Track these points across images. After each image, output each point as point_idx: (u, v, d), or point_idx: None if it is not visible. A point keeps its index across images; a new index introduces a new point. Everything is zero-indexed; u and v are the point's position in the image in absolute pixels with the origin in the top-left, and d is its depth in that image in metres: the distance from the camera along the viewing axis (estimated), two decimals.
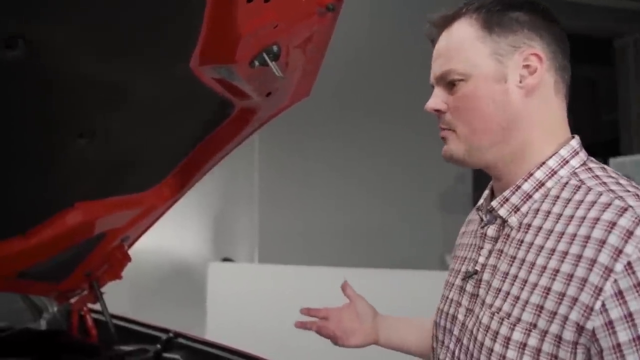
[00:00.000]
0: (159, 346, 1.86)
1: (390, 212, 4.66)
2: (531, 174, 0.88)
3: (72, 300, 2.01)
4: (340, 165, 4.64)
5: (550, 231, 0.81)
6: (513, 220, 0.88)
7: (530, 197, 0.87)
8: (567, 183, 0.85)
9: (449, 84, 0.90)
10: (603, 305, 0.71)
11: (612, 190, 0.79)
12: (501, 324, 0.81)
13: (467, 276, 0.94)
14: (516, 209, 0.88)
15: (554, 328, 0.75)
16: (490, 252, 0.92)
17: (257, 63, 1.23)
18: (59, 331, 1.99)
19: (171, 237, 4.76)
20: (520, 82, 0.87)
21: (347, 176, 4.63)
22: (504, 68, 0.87)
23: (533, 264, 0.81)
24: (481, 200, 1.00)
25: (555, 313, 0.75)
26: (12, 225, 1.49)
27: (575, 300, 0.73)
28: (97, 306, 1.96)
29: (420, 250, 4.55)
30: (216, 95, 1.42)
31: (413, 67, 3.66)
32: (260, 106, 1.57)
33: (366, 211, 4.61)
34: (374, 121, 4.66)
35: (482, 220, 0.97)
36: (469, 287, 0.94)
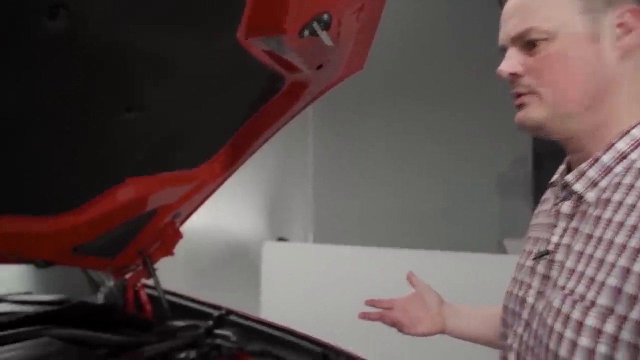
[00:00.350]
0: (210, 323, 1.86)
1: (447, 193, 4.52)
2: (612, 145, 0.79)
3: (127, 276, 2.04)
4: (396, 145, 4.53)
5: (633, 206, 0.72)
6: (590, 195, 0.80)
7: (611, 170, 0.78)
8: None
9: (528, 44, 0.81)
10: None
11: None
12: (573, 307, 0.73)
13: (539, 256, 0.86)
14: (594, 184, 0.79)
15: (635, 314, 0.66)
16: (564, 230, 0.83)
17: (307, 33, 1.17)
18: (115, 305, 2.03)
19: (227, 216, 4.82)
20: (615, 42, 0.78)
21: (404, 156, 4.52)
22: (596, 26, 0.78)
23: (611, 243, 0.72)
24: (556, 176, 0.91)
25: (635, 297, 0.66)
26: (65, 201, 1.50)
27: None
28: (152, 282, 1.98)
29: (477, 234, 4.40)
30: (265, 69, 1.38)
31: (472, 43, 3.50)
32: (311, 80, 1.52)
33: (423, 192, 4.50)
34: (431, 100, 4.52)
35: (556, 197, 0.88)
36: (541, 268, 0.86)
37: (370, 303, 1.26)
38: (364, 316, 1.26)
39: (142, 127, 1.38)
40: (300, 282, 3.91)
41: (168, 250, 1.94)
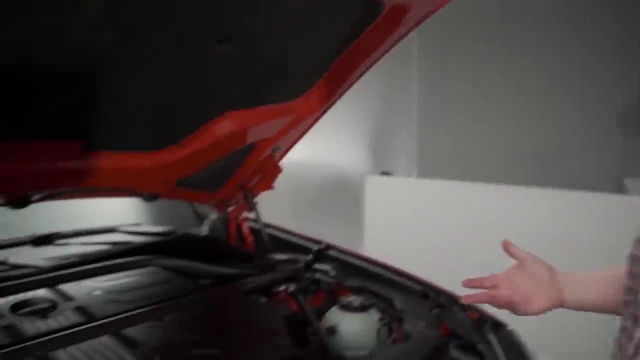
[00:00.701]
0: (310, 257, 1.86)
1: (563, 127, 4.17)
2: None
3: (230, 209, 2.09)
4: (508, 75, 4.20)
5: None
6: None
7: None
8: None
9: None
10: None
11: None
12: None
13: None
14: None
15: None
16: None
17: None
18: (218, 237, 2.09)
19: (330, 149, 4.82)
20: None
21: (516, 87, 4.19)
22: None
23: None
24: None
25: None
26: (166, 136, 1.53)
27: None
28: (253, 215, 2.01)
29: (594, 171, 4.04)
30: None
31: None
32: (412, 3, 1.40)
33: (535, 126, 4.18)
34: (548, 25, 4.11)
35: None
36: None
37: (469, 284, 1.09)
38: (469, 300, 1.08)
39: (239, 59, 1.35)
40: (403, 217, 3.85)
41: (268, 184, 1.95)
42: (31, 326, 1.24)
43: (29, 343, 1.14)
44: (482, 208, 3.31)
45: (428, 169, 4.49)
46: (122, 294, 1.45)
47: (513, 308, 1.04)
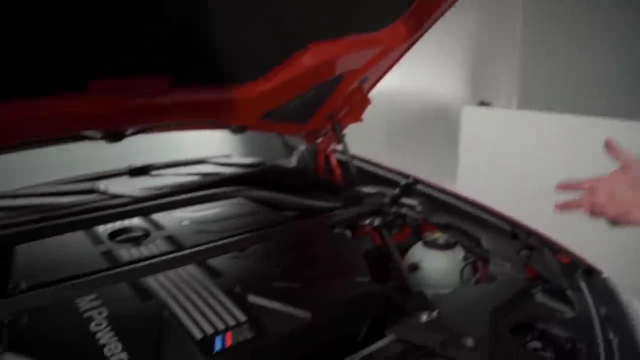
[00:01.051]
0: (397, 191, 1.84)
1: None
2: None
3: (318, 141, 2.09)
4: (616, 5, 3.75)
5: None
6: None
7: None
8: None
9: None
10: None
11: None
12: None
13: None
14: None
15: None
16: None
17: None
18: (306, 169, 2.11)
19: (425, 78, 4.63)
20: None
21: (630, 13, 3.74)
22: None
23: None
24: None
25: None
26: (252, 68, 1.53)
27: None
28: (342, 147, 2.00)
29: None
30: None
31: None
32: None
33: None
34: None
35: None
36: None
37: (564, 187, 1.01)
38: (562, 207, 1.01)
39: None
40: (500, 152, 3.68)
41: (356, 117, 1.92)
42: (126, 253, 1.33)
43: (122, 269, 1.23)
44: (588, 143, 3.07)
45: (530, 100, 4.20)
46: (209, 224, 1.52)
47: (612, 217, 0.94)
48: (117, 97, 1.36)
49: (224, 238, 1.41)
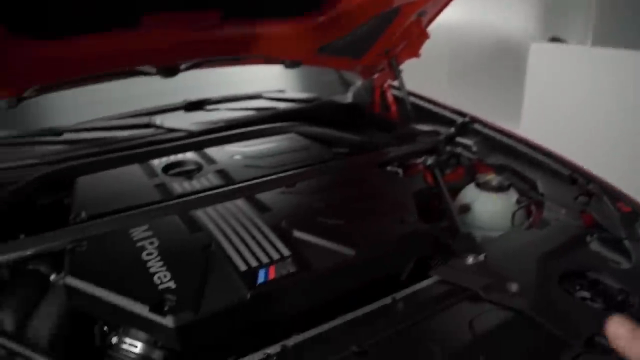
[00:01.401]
0: (452, 130, 1.78)
1: None
2: None
3: (375, 76, 2.04)
4: None
5: None
6: None
7: None
8: None
9: None
10: None
11: None
12: None
13: None
14: None
15: None
16: None
17: None
18: (361, 105, 2.07)
19: (492, 11, 4.38)
20: None
21: None
22: None
23: None
24: None
25: None
26: (306, 2, 1.48)
27: None
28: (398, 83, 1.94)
29: None
30: None
31: None
32: None
33: None
34: None
35: None
36: None
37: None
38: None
39: None
40: (571, 92, 3.48)
41: (414, 51, 1.85)
42: (178, 186, 1.37)
43: (174, 201, 1.28)
44: None
45: (605, 36, 3.90)
46: (260, 159, 1.52)
47: None
48: (169, 32, 1.36)
49: (274, 173, 1.43)
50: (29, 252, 1.13)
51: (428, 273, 1.15)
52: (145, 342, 1.00)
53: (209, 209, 1.23)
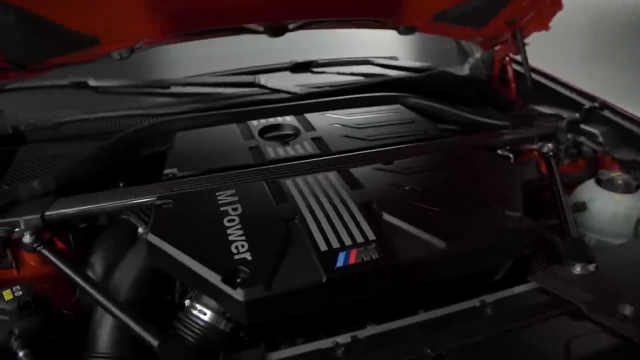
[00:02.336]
0: (577, 115, 1.59)
1: None
2: None
3: (497, 49, 1.86)
4: None
5: None
6: None
7: None
8: None
9: None
10: None
11: None
12: None
13: None
14: None
15: None
16: None
17: None
18: (478, 79, 1.90)
19: None
20: None
21: None
22: None
23: None
24: None
25: None
26: None
27: None
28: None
29: None
30: None
31: None
32: None
33: None
34: None
35: None
36: None
37: None
38: None
39: None
40: None
41: (543, 23, 1.65)
42: (272, 151, 1.34)
43: (265, 167, 1.25)
44: None
45: None
46: (359, 130, 1.45)
47: None
48: None
49: (372, 147, 1.35)
50: (122, 203, 1.16)
51: (527, 277, 1.03)
52: (215, 311, 0.99)
53: (299, 179, 1.18)
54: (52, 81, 1.66)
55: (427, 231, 1.01)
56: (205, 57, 1.89)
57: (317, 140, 1.39)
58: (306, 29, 1.55)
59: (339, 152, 1.33)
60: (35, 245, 1.09)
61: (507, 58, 1.85)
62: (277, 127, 1.47)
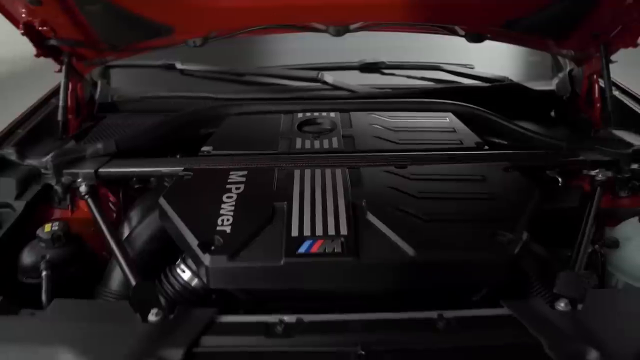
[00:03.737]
0: None
1: None
2: None
3: (587, 64, 1.72)
4: None
5: None
6: None
7: None
8: None
9: None
10: None
11: None
12: None
13: None
14: None
15: None
16: None
17: None
18: (553, 95, 1.77)
19: None
20: None
21: None
22: None
23: None
24: None
25: None
26: None
27: None
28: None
29: None
30: None
31: None
32: None
33: None
34: None
35: None
36: None
37: None
38: None
39: None
40: None
41: (631, 39, 1.49)
42: (301, 143, 1.41)
43: (283, 155, 1.34)
44: None
45: None
46: (394, 132, 1.45)
47: None
48: None
49: (399, 150, 1.35)
50: (158, 169, 1.33)
51: (500, 301, 0.98)
52: (193, 272, 1.10)
53: (307, 171, 1.23)
54: (148, 61, 1.89)
55: (402, 236, 1.01)
56: (299, 51, 2.00)
57: (347, 138, 1.42)
58: (367, 30, 1.58)
59: (363, 151, 1.35)
60: (86, 194, 1.28)
61: (594, 76, 1.69)
62: (316, 122, 1.53)
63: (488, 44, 1.65)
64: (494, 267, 1.01)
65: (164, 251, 1.20)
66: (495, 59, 2.00)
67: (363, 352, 0.86)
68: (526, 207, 1.12)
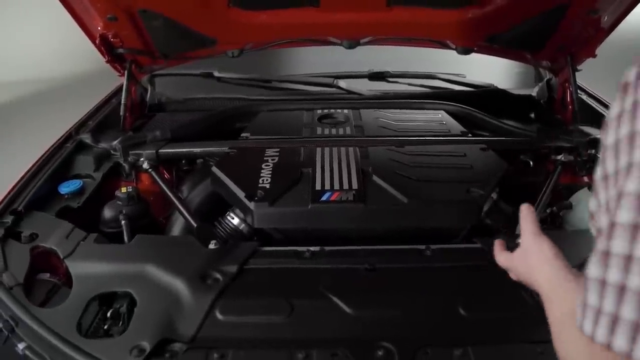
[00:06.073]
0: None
1: None
2: None
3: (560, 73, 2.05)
4: None
5: None
6: None
7: None
8: None
9: None
10: None
11: None
12: None
13: None
14: None
15: None
16: None
17: None
18: (529, 98, 2.13)
19: None
20: None
21: None
22: None
23: None
24: None
25: None
26: None
27: None
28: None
29: None
30: None
31: None
32: None
33: None
34: None
35: None
36: None
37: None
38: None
39: None
40: None
41: (590, 51, 1.82)
42: (321, 130, 1.75)
43: (308, 138, 1.68)
44: None
45: None
46: (395, 122, 1.79)
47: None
48: (341, 11, 1.73)
49: (399, 136, 1.69)
50: (208, 149, 1.68)
51: (473, 239, 1.29)
52: (240, 219, 1.42)
53: (327, 149, 1.57)
54: (189, 70, 2.25)
55: (398, 190, 1.34)
56: (319, 62, 2.37)
57: (358, 127, 1.76)
58: (375, 44, 1.93)
59: (369, 136, 1.69)
60: (150, 168, 1.62)
61: (567, 83, 2.02)
62: (333, 115, 1.88)
63: (486, 60, 2.01)
64: (467, 213, 1.34)
65: (208, 214, 1.53)
66: (491, 72, 2.37)
67: (369, 267, 1.18)
68: (496, 174, 1.45)
